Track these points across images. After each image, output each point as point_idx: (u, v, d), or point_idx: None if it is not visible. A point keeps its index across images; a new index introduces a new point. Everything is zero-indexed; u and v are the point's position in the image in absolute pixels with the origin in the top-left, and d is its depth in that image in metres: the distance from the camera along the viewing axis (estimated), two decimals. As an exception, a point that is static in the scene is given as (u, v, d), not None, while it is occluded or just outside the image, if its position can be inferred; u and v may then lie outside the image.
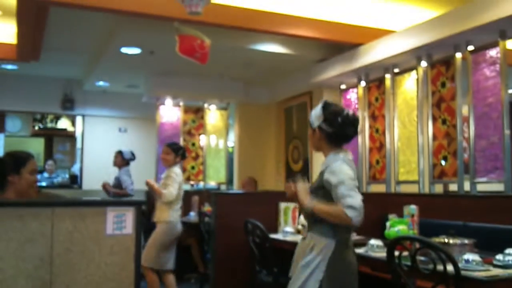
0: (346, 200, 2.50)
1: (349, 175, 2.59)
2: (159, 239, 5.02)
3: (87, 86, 9.22)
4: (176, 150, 5.28)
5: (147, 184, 5.17)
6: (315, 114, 2.77)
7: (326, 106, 2.75)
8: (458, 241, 3.10)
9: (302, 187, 2.70)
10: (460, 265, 2.72)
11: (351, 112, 2.78)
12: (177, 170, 5.21)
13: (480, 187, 5.03)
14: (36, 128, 11.42)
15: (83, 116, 10.01)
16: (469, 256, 2.86)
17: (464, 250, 3.01)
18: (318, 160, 6.90)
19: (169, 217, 5.04)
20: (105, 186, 6.93)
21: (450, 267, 2.66)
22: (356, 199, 2.50)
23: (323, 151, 2.79)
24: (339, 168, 2.62)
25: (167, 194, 4.99)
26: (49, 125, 11.45)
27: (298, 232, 4.65)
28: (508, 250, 2.97)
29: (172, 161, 5.22)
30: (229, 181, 8.94)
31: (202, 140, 8.54)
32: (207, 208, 6.65)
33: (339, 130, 2.70)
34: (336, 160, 2.68)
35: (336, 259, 2.60)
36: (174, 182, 5.05)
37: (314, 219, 2.67)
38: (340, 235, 2.64)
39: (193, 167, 8.46)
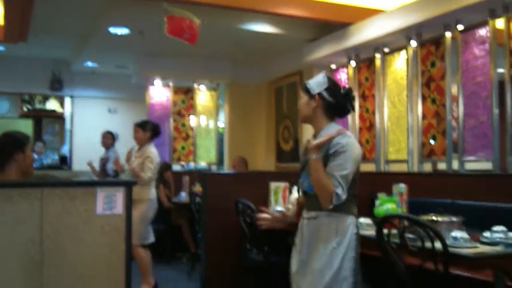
0: (339, 188, 2.49)
1: (355, 160, 2.61)
2: (146, 217, 5.15)
3: (75, 67, 9.13)
4: (142, 126, 5.30)
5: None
6: (317, 81, 2.68)
7: (329, 77, 2.72)
8: (446, 218, 3.13)
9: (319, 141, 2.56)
10: (448, 242, 2.75)
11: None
12: (152, 149, 5.27)
13: (469, 166, 5.07)
14: (25, 109, 11.28)
15: (72, 97, 9.93)
16: (457, 233, 2.89)
17: (452, 227, 3.04)
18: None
19: (150, 195, 5.19)
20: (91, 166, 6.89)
21: (438, 244, 2.69)
22: (344, 193, 2.50)
23: (316, 121, 2.68)
24: (351, 147, 2.60)
25: (145, 178, 5.07)
26: (38, 106, 11.30)
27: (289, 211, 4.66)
28: (495, 228, 3.00)
29: (144, 139, 5.27)
30: (220, 162, 8.95)
31: (192, 120, 8.53)
32: (197, 188, 6.65)
33: (340, 102, 2.67)
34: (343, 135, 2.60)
35: (358, 234, 2.65)
36: (153, 163, 5.15)
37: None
38: (355, 209, 2.65)
39: (183, 148, 8.45)
